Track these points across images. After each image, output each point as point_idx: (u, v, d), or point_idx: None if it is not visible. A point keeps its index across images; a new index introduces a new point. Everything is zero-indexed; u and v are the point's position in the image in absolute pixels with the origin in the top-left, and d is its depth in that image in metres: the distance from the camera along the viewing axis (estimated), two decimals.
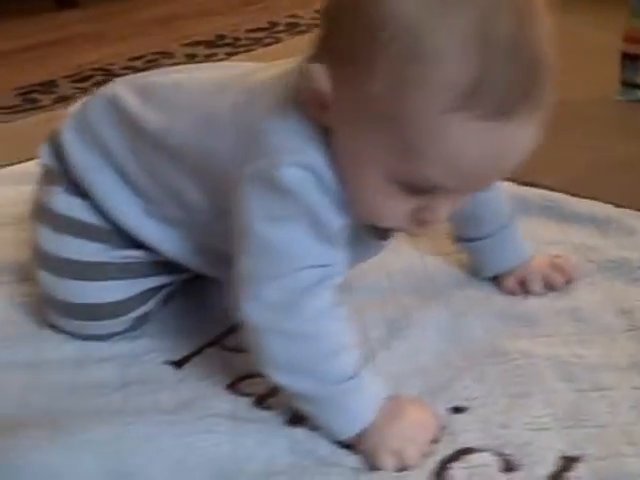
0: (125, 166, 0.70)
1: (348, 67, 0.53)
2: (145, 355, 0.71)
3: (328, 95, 0.55)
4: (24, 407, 0.66)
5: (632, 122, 1.21)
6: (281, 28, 1.84)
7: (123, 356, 0.71)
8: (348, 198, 0.59)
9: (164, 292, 0.76)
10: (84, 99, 0.76)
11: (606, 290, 0.78)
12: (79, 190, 0.72)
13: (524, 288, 0.78)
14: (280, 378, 0.60)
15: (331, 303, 0.60)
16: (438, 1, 0.50)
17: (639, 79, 1.28)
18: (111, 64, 1.62)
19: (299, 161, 0.57)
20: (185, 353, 0.71)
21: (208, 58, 1.63)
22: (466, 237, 0.80)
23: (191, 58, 1.64)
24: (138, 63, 1.62)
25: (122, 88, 0.72)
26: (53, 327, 0.74)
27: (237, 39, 1.76)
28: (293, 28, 1.83)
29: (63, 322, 0.73)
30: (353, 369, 0.60)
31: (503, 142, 0.52)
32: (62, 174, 0.73)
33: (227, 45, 1.72)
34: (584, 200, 0.95)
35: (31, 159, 1.09)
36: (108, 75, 1.54)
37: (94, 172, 0.70)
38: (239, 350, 0.71)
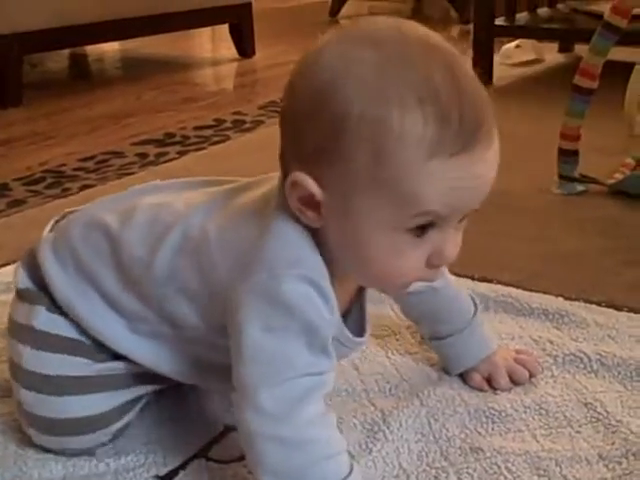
0: (109, 289, 0.71)
1: (328, 161, 0.60)
2: (132, 471, 0.71)
3: (318, 194, 0.61)
4: None
5: (572, 214, 1.29)
6: (228, 125, 1.90)
7: (110, 473, 0.71)
8: (365, 277, 0.66)
9: (144, 400, 0.77)
10: (61, 222, 0.78)
11: (568, 383, 0.83)
12: (61, 309, 0.73)
13: (491, 383, 0.83)
14: None
15: (323, 410, 0.64)
16: (381, 76, 0.58)
17: (576, 174, 1.36)
18: (62, 165, 1.63)
19: (298, 274, 0.62)
20: (171, 467, 0.72)
21: (159, 157, 1.66)
22: (435, 336, 0.84)
23: (143, 157, 1.66)
24: (90, 164, 1.63)
25: (101, 211, 0.74)
26: (36, 446, 0.74)
27: (186, 137, 1.80)
28: (240, 125, 1.89)
29: (44, 439, 0.73)
30: (345, 472, 0.63)
31: (479, 164, 0.60)
32: (43, 295, 0.74)
33: (177, 144, 1.76)
34: (536, 294, 1.01)
35: None
36: (60, 177, 1.56)
37: (76, 295, 0.72)
38: (223, 461, 0.73)
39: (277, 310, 0.62)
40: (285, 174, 0.64)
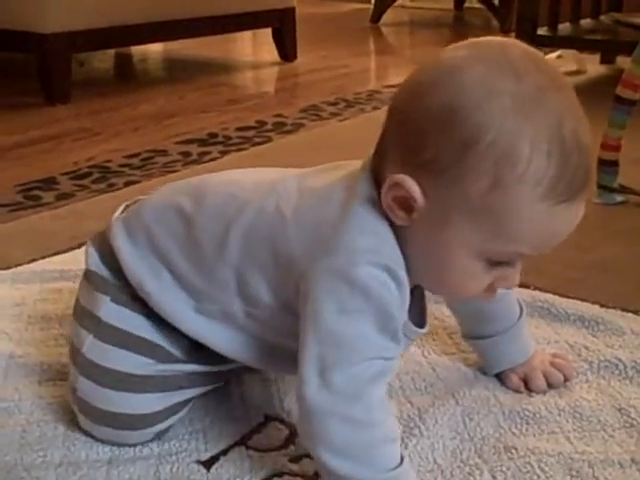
0: (181, 267, 0.72)
1: (443, 176, 0.62)
2: (175, 455, 0.74)
3: (420, 201, 0.63)
4: None
5: (611, 224, 1.30)
6: (269, 127, 1.93)
7: (154, 457, 0.74)
8: (428, 281, 0.68)
9: (191, 404, 0.78)
10: (133, 204, 0.79)
11: (602, 388, 0.84)
12: (129, 299, 0.74)
13: (527, 384, 0.84)
14: (333, 461, 0.64)
15: (386, 395, 0.66)
16: (520, 111, 0.60)
17: (616, 184, 1.37)
18: (107, 161, 1.67)
19: (375, 261, 0.64)
20: (212, 453, 0.74)
21: (202, 156, 1.69)
22: (478, 335, 0.85)
23: (186, 156, 1.70)
24: (135, 160, 1.67)
25: (173, 192, 0.76)
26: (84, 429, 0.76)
27: (228, 137, 1.84)
28: (280, 127, 1.92)
29: (92, 427, 0.75)
30: (398, 460, 0.65)
31: (573, 214, 0.64)
32: (111, 281, 0.75)
33: (219, 143, 1.79)
34: (572, 300, 1.02)
35: (38, 258, 1.12)
36: (106, 172, 1.60)
37: (147, 272, 0.73)
38: (263, 450, 0.75)
39: (353, 293, 0.63)
40: (378, 166, 0.66)
